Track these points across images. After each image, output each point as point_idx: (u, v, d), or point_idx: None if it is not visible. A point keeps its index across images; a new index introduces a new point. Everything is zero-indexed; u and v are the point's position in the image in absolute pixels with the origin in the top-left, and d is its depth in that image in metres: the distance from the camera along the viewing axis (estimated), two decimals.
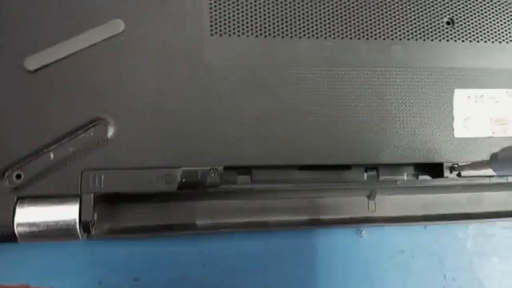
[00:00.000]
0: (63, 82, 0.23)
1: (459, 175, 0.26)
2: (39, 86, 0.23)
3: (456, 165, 0.26)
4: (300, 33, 0.25)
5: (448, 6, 0.27)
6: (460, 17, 0.27)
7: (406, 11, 0.27)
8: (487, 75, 0.27)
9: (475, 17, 0.28)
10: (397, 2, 0.27)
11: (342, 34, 0.26)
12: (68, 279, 0.25)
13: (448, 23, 0.27)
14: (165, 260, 0.26)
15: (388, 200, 0.28)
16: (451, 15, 0.27)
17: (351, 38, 0.26)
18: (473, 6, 0.28)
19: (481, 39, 0.27)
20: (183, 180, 0.24)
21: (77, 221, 0.22)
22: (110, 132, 0.23)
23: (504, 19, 0.28)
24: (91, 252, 0.25)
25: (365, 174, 0.27)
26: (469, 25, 0.27)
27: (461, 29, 0.27)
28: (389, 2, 0.27)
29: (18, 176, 0.22)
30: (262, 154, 0.24)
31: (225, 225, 0.26)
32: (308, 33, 0.25)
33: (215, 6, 0.25)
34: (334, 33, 0.26)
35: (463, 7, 0.27)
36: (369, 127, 0.25)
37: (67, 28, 0.23)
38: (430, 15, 0.27)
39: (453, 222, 0.28)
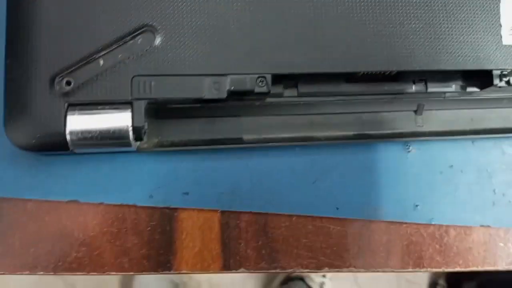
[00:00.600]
0: None
1: (508, 82, 0.26)
2: None
3: (505, 72, 0.26)
4: None
5: None
6: None
7: None
8: None
9: None
10: None
11: None
12: (118, 194, 0.25)
13: None
14: (213, 175, 0.25)
15: (435, 114, 0.27)
16: None
17: None
18: None
19: None
20: (232, 88, 0.23)
21: (130, 126, 0.22)
22: (158, 39, 0.23)
23: None
24: (139, 167, 0.25)
25: (413, 86, 0.26)
26: None
27: None
28: None
29: (68, 83, 0.22)
30: (310, 62, 0.24)
31: (272, 140, 0.26)
32: None
33: None
34: None
35: None
36: (417, 34, 0.25)
37: None
38: None
39: (501, 136, 0.28)
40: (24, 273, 0.24)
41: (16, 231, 0.24)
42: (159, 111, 0.24)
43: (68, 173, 0.24)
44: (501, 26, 0.26)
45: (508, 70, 0.26)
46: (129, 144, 0.23)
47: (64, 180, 0.24)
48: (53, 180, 0.24)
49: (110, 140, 0.22)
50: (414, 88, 0.26)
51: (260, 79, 0.24)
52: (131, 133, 0.22)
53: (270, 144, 0.26)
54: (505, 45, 0.26)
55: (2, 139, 0.24)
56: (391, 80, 0.26)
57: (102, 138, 0.22)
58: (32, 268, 0.24)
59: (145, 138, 0.24)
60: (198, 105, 0.25)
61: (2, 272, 0.24)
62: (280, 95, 0.25)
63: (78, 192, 0.24)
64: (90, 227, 0.24)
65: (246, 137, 0.26)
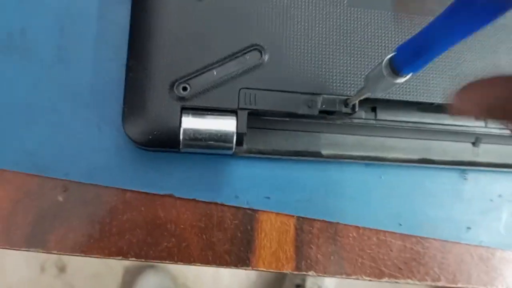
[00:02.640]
0: (226, 10, 0.26)
1: None
2: (206, 12, 0.26)
3: None
4: None
5: None
6: None
7: None
8: None
9: None
10: None
11: None
12: (208, 192, 0.27)
13: None
14: (293, 183, 0.28)
15: (490, 147, 0.30)
16: None
17: None
18: None
19: None
20: (323, 106, 0.26)
21: (234, 132, 0.25)
22: (265, 57, 0.26)
23: None
24: (230, 169, 0.27)
25: (474, 121, 0.29)
26: None
27: None
28: None
29: (185, 89, 0.25)
30: (390, 90, 0.27)
31: (347, 156, 0.29)
32: None
33: None
34: None
35: None
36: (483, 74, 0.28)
37: None
38: None
39: None
40: (117, 258, 0.26)
41: (113, 218, 0.26)
42: (253, 121, 0.27)
43: (167, 168, 0.27)
44: None
45: None
46: (231, 148, 0.25)
47: (162, 174, 0.27)
48: (153, 174, 0.26)
49: (216, 143, 0.25)
50: (474, 123, 0.30)
51: (348, 100, 0.27)
52: (234, 138, 0.25)
53: (345, 160, 0.29)
54: None
55: (110, 131, 0.26)
56: (457, 113, 0.29)
57: (210, 140, 0.25)
58: (125, 253, 0.26)
59: (244, 144, 0.26)
60: (287, 118, 0.27)
61: (97, 256, 0.26)
62: (359, 117, 0.28)
63: (174, 187, 0.27)
64: (181, 220, 0.27)
65: (324, 152, 0.29)
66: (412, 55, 0.18)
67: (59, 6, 0.27)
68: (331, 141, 0.29)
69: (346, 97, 0.26)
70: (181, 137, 0.24)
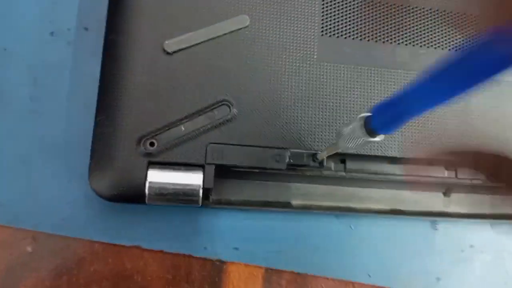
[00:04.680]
0: (195, 65, 0.26)
1: None
2: (175, 67, 0.26)
3: None
4: (398, 40, 0.29)
5: None
6: None
7: None
8: None
9: None
10: None
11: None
12: (176, 243, 0.27)
13: None
14: (262, 234, 0.28)
15: (462, 197, 0.30)
16: None
17: (442, 49, 0.29)
18: None
19: None
20: (291, 161, 0.26)
21: (201, 187, 0.25)
22: (233, 112, 0.26)
23: None
24: (198, 220, 0.27)
25: (445, 172, 0.30)
26: None
27: None
28: None
29: (152, 144, 0.25)
30: None
31: (317, 207, 0.29)
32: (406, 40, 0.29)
33: (326, 9, 0.28)
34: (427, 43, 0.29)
35: None
36: (452, 132, 0.28)
37: (200, 19, 0.27)
38: None
39: None
40: None
41: (81, 269, 0.26)
42: (222, 171, 0.27)
43: (134, 220, 0.27)
44: None
45: None
46: (197, 202, 0.25)
47: (130, 226, 0.27)
48: (121, 225, 0.27)
49: (182, 197, 0.25)
50: (445, 174, 0.30)
51: (315, 154, 0.27)
52: (200, 193, 0.25)
53: (314, 210, 0.29)
54: None
55: (79, 183, 0.27)
56: (427, 164, 0.30)
57: (176, 194, 0.25)
58: None
59: (212, 196, 0.26)
60: (257, 170, 0.28)
61: None
62: (329, 169, 0.28)
63: (141, 238, 0.27)
64: (148, 271, 0.27)
65: (294, 202, 0.29)
66: (390, 119, 0.18)
67: (33, 58, 0.28)
68: (301, 192, 0.29)
69: (314, 152, 0.27)
70: (146, 192, 0.25)
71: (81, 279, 0.26)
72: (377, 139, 0.20)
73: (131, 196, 0.25)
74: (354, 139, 0.21)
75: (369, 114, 0.20)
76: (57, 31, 0.29)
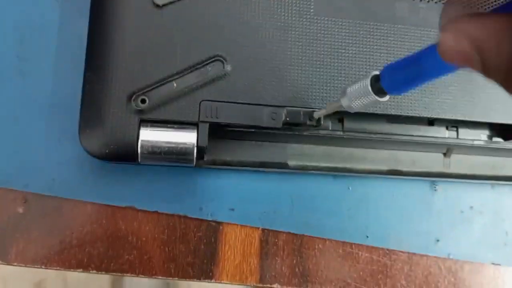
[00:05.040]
0: (187, 19, 0.25)
1: None
2: (165, 21, 0.25)
3: None
4: None
5: None
6: None
7: None
8: None
9: None
10: None
11: None
12: (171, 204, 0.27)
13: None
14: (258, 195, 0.28)
15: (462, 159, 0.30)
16: None
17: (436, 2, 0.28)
18: None
19: None
20: (287, 119, 0.26)
21: (195, 145, 0.24)
22: (227, 69, 0.25)
23: None
24: (193, 181, 0.27)
25: (446, 132, 0.29)
26: None
27: None
28: None
29: (143, 101, 0.24)
30: None
31: (313, 168, 0.28)
32: None
33: None
34: None
35: None
36: (455, 87, 0.27)
37: None
38: None
39: None
40: (77, 270, 0.26)
41: (74, 230, 0.26)
42: (217, 131, 0.27)
43: (128, 181, 0.26)
44: None
45: None
46: (191, 161, 0.25)
47: (124, 186, 0.26)
48: (114, 186, 0.26)
49: (175, 156, 0.25)
50: (446, 134, 0.29)
51: (312, 114, 0.26)
52: (195, 152, 0.25)
53: (312, 171, 0.28)
54: None
55: (70, 144, 0.26)
56: (427, 124, 0.29)
57: (169, 153, 0.24)
58: (86, 266, 0.26)
59: (206, 156, 0.26)
60: (252, 130, 0.27)
61: (57, 268, 0.26)
62: (326, 128, 0.28)
63: (136, 199, 0.26)
64: (143, 232, 0.26)
65: (290, 163, 0.28)
66: (403, 80, 0.18)
67: (20, 18, 0.27)
68: (298, 152, 0.28)
69: (311, 109, 0.26)
70: (139, 150, 0.24)
71: (74, 240, 0.26)
72: (384, 99, 0.20)
73: (123, 154, 0.24)
74: (360, 98, 0.20)
75: (377, 73, 0.19)
76: None
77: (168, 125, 0.25)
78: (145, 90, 0.24)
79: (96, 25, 0.25)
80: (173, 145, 0.24)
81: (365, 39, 0.27)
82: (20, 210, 0.26)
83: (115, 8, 0.25)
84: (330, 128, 0.28)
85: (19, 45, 0.27)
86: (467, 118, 0.28)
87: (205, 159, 0.26)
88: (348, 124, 0.28)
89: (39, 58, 0.27)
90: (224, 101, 0.25)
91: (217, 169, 0.27)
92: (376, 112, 0.27)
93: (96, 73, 0.25)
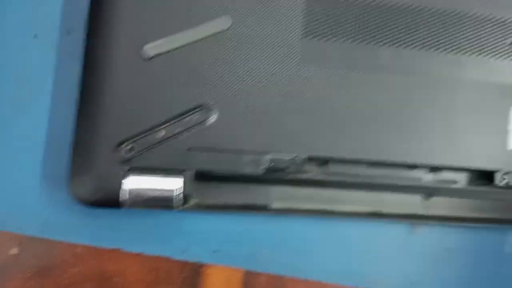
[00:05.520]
0: (175, 69, 0.26)
1: (507, 184, 0.30)
2: (153, 72, 0.26)
3: (506, 176, 0.29)
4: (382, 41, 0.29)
5: None
6: None
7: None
8: None
9: None
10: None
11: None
12: (156, 246, 0.27)
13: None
14: (241, 236, 0.28)
15: (441, 201, 0.31)
16: None
17: (420, 49, 0.29)
18: None
19: None
20: (270, 165, 0.27)
21: (179, 192, 0.25)
22: (212, 117, 0.26)
23: None
24: (178, 223, 0.28)
25: (425, 175, 0.30)
26: None
27: None
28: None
29: (131, 149, 0.25)
30: (339, 148, 0.28)
31: (297, 210, 0.29)
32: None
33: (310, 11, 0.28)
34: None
35: None
36: (434, 132, 0.29)
37: (180, 22, 0.27)
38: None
39: (495, 227, 0.31)
40: None
41: (64, 271, 0.27)
42: (201, 176, 0.28)
43: (115, 224, 0.27)
44: (508, 132, 0.30)
45: (509, 173, 0.29)
46: (177, 207, 0.26)
47: (111, 230, 0.27)
48: (102, 229, 0.27)
49: (161, 203, 0.26)
50: (427, 177, 0.30)
51: (296, 158, 0.27)
52: (180, 199, 0.26)
53: (294, 213, 0.29)
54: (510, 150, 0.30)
55: (62, 188, 0.27)
56: (409, 168, 0.30)
57: (154, 201, 0.25)
58: None
59: (191, 201, 0.27)
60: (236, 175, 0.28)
61: None
62: (310, 171, 0.29)
63: (122, 242, 0.27)
64: (129, 274, 0.27)
65: (274, 205, 0.29)
66: None
67: (17, 59, 0.28)
68: (282, 195, 0.29)
69: (293, 156, 0.27)
70: (124, 197, 0.25)
71: (65, 280, 0.27)
72: None
73: (111, 202, 0.25)
74: None
75: None
76: (40, 34, 0.29)
77: (155, 173, 0.26)
78: (133, 139, 0.25)
79: (87, 74, 0.26)
80: (158, 193, 0.25)
81: (349, 87, 0.28)
82: (15, 251, 0.27)
83: (106, 58, 0.26)
84: (313, 172, 0.29)
85: (15, 86, 0.28)
86: (447, 163, 0.29)
87: (189, 203, 0.27)
88: (331, 168, 0.29)
89: (33, 100, 0.28)
90: (209, 149, 0.26)
91: (200, 212, 0.28)
92: (358, 157, 0.28)
93: (86, 121, 0.26)
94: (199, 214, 0.28)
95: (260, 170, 0.26)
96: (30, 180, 0.27)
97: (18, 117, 0.27)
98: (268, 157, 0.27)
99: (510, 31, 0.31)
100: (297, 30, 0.28)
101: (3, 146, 0.27)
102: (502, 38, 0.31)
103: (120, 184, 0.25)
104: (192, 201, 0.28)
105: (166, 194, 0.25)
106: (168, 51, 0.26)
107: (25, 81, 0.28)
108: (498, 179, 0.29)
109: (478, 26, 0.30)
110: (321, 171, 0.29)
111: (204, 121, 0.26)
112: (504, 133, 0.30)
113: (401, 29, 0.29)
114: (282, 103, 0.27)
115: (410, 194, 0.31)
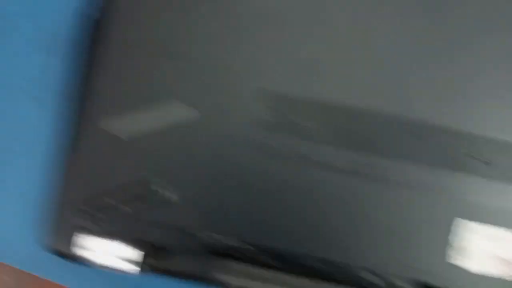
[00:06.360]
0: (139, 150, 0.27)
1: None
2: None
3: None
4: None
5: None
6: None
7: None
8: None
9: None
10: None
11: None
12: None
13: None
14: None
15: None
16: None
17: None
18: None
19: None
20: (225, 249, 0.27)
21: (135, 260, 0.27)
22: (171, 196, 0.27)
23: None
24: (136, 284, 0.30)
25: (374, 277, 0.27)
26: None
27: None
28: None
29: (90, 214, 0.27)
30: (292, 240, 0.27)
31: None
32: None
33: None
34: None
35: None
36: (372, 240, 0.26)
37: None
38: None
39: None
40: None
41: None
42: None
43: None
44: (451, 245, 0.26)
45: None
46: (136, 274, 0.27)
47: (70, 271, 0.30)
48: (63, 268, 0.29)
49: (119, 269, 0.27)
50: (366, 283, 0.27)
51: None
52: (139, 267, 0.27)
53: None
54: (450, 263, 0.26)
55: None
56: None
57: (108, 266, 0.27)
58: None
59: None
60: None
61: None
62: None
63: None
64: None
65: (234, 282, 0.28)
66: None
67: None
68: (243, 272, 0.29)
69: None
70: (82, 259, 0.27)
71: None
72: None
73: (70, 259, 0.27)
74: None
75: None
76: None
77: (115, 240, 0.27)
78: (94, 206, 0.27)
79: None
80: (111, 259, 0.27)
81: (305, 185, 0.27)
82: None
83: (78, 137, 0.28)
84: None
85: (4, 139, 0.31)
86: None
87: (148, 266, 0.28)
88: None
89: (24, 154, 0.31)
90: (162, 223, 0.27)
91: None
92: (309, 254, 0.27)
93: (55, 184, 0.28)
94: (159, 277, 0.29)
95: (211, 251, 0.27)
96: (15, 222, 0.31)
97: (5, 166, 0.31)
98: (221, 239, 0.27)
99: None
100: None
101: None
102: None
103: (79, 246, 0.27)
104: (152, 265, 0.29)
105: (126, 262, 0.27)
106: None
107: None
108: None
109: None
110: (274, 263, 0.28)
111: (161, 199, 0.27)
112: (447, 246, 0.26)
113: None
114: (240, 193, 0.27)
115: None
